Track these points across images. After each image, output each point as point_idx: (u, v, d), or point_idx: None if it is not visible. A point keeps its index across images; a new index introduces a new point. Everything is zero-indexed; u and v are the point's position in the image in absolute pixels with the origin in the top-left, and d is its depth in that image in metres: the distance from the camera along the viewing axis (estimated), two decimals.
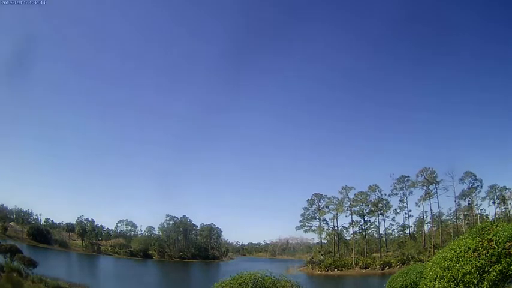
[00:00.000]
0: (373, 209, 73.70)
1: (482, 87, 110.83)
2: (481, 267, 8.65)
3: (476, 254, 8.90)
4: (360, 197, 74.08)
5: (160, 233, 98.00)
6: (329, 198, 76.74)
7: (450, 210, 74.06)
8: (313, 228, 77.95)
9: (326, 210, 76.79)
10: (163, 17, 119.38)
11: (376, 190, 73.34)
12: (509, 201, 70.74)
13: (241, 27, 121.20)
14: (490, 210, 71.76)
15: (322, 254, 76.09)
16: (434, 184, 69.08)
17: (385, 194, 73.60)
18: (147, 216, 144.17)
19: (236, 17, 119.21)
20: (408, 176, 72.16)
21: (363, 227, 76.15)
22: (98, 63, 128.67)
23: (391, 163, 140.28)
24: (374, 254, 72.88)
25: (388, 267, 62.11)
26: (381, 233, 77.26)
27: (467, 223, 67.79)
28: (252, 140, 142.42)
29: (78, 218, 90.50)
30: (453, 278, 8.99)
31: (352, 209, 74.93)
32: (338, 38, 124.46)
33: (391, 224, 79.37)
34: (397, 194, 73.40)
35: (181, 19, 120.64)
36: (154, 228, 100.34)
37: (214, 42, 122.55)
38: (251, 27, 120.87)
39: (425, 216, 73.67)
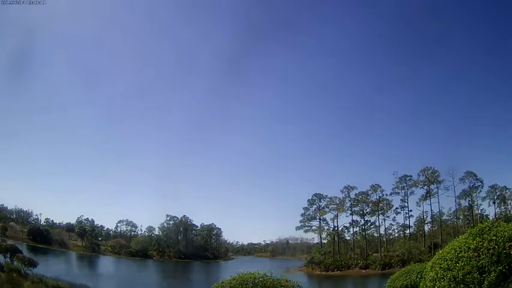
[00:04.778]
0: (374, 208, 73.75)
1: (483, 86, 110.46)
2: (481, 268, 8.64)
3: (476, 254, 8.89)
4: (361, 196, 74.15)
5: (161, 233, 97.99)
6: (330, 198, 76.87)
7: (450, 210, 74.22)
8: (313, 228, 78.04)
9: (327, 210, 76.90)
10: (163, 16, 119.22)
11: (378, 190, 73.43)
12: (509, 201, 70.83)
13: (242, 25, 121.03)
14: (490, 210, 71.84)
15: (322, 254, 76.13)
16: (435, 184, 69.14)
17: (387, 194, 73.80)
18: (147, 216, 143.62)
19: (237, 15, 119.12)
20: (410, 176, 72.24)
21: (364, 227, 76.24)
22: (97, 62, 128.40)
23: (393, 162, 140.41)
24: (374, 254, 72.89)
25: (388, 267, 62.08)
26: (381, 232, 77.39)
27: (467, 223, 67.81)
28: (252, 139, 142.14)
29: (78, 218, 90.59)
30: (453, 278, 8.99)
31: (353, 209, 75.05)
32: (339, 38, 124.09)
33: (391, 224, 79.53)
34: (398, 193, 73.51)
35: (181, 18, 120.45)
36: (154, 228, 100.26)
37: (216, 40, 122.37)
38: (252, 25, 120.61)
39: (425, 216, 73.82)
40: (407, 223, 77.79)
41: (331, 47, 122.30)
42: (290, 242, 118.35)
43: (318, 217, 77.15)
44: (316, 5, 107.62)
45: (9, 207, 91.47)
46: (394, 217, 75.88)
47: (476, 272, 8.64)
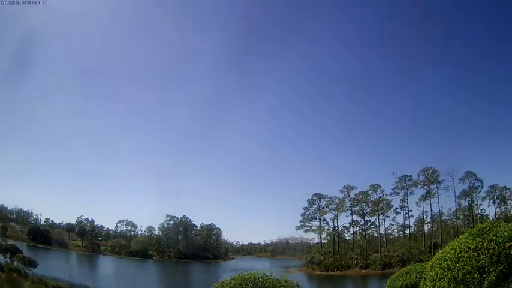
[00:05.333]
0: (374, 208, 73.75)
1: (482, 86, 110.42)
2: (481, 268, 8.64)
3: (476, 254, 8.89)
4: (360, 196, 74.16)
5: (161, 233, 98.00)
6: (330, 198, 76.90)
7: (450, 210, 74.22)
8: (313, 228, 78.10)
9: (327, 210, 76.94)
10: (162, 16, 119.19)
11: (378, 190, 73.42)
12: (509, 201, 70.81)
13: (243, 26, 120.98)
14: (490, 210, 71.83)
15: (322, 254, 76.17)
16: (435, 184, 69.15)
17: (387, 194, 73.78)
18: (147, 216, 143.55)
19: (237, 16, 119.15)
20: (410, 176, 72.24)
21: (364, 227, 76.26)
22: (97, 61, 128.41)
23: (393, 162, 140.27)
24: (374, 254, 72.91)
25: (388, 267, 62.09)
26: (381, 232, 77.41)
27: (467, 223, 67.83)
28: (252, 139, 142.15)
29: (78, 218, 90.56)
30: (453, 278, 8.99)
31: (353, 209, 75.07)
32: (339, 39, 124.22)
33: (391, 224, 79.51)
34: (398, 193, 73.47)
35: (183, 18, 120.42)
36: (154, 228, 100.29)
37: (216, 40, 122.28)
38: (253, 26, 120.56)
39: (425, 216, 73.83)
40: (407, 223, 77.86)
41: (330, 51, 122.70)
42: (290, 242, 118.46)
43: (318, 217, 77.22)
44: (314, 7, 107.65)
45: (9, 207, 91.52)
46: (394, 217, 76.01)
47: (476, 272, 8.64)
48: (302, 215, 77.61)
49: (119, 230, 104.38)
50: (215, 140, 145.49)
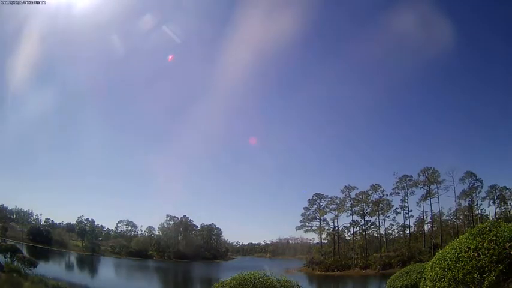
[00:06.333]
0: (374, 208, 73.78)
1: (482, 86, 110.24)
2: (481, 268, 8.64)
3: (476, 254, 8.90)
4: (361, 196, 74.20)
5: (160, 233, 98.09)
6: (330, 198, 76.94)
7: (450, 210, 74.19)
8: (313, 228, 78.16)
9: (327, 210, 76.99)
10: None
11: (378, 190, 73.43)
12: (509, 201, 70.80)
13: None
14: (490, 210, 71.74)
15: (322, 254, 76.19)
16: (435, 184, 69.15)
17: (387, 194, 73.77)
18: (147, 216, 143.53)
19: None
20: (411, 176, 72.19)
21: (364, 227, 76.29)
22: (98, 57, 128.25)
23: (394, 163, 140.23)
24: (374, 254, 72.95)
25: (388, 267, 62.03)
26: (381, 233, 77.46)
27: (467, 223, 67.83)
28: (252, 139, 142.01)
29: (78, 218, 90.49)
30: (454, 278, 8.99)
31: (353, 209, 75.11)
32: (334, 43, 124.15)
33: (391, 224, 79.48)
34: (398, 193, 73.40)
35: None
36: (154, 228, 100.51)
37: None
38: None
39: (425, 216, 73.84)
40: (408, 223, 77.68)
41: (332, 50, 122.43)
42: (290, 242, 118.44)
43: (318, 217, 77.25)
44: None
45: (9, 207, 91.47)
46: (394, 217, 75.84)
47: (476, 272, 8.64)
48: (302, 215, 77.78)
49: (119, 230, 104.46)
50: (214, 140, 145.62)
